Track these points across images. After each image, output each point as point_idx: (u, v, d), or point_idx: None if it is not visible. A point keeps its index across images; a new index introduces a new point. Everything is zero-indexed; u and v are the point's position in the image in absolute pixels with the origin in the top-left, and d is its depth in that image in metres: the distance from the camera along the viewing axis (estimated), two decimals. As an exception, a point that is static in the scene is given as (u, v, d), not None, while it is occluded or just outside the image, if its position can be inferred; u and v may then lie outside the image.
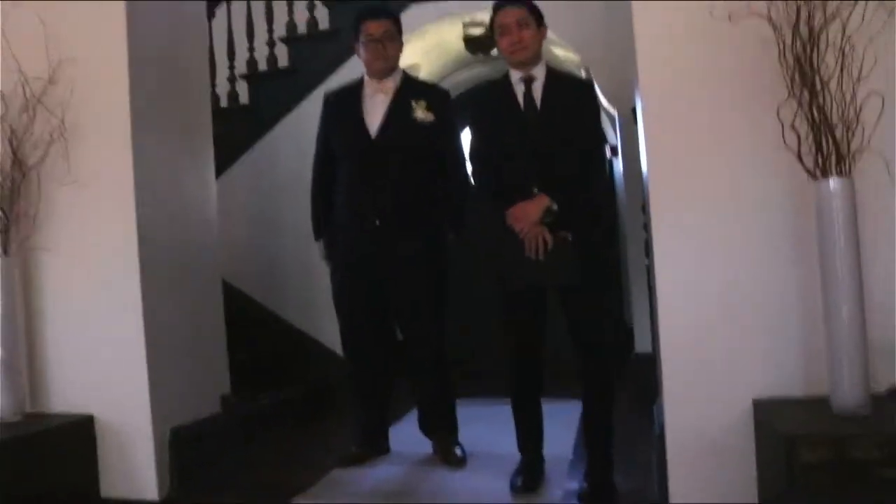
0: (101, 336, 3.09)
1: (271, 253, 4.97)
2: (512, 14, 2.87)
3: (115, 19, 3.09)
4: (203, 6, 3.85)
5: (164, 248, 3.23)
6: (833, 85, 2.22)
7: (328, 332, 4.56)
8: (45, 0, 3.06)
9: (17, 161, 2.99)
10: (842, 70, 2.22)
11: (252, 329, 4.68)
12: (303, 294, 4.85)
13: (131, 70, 3.09)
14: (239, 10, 5.21)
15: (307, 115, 4.72)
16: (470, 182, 3.13)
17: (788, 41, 2.24)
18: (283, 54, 5.24)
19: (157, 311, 3.13)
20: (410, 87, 3.24)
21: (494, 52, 3.04)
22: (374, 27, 3.15)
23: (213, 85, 4.67)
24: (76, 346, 3.12)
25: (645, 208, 3.17)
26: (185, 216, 3.47)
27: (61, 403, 3.13)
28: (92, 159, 3.07)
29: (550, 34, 3.14)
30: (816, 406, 2.28)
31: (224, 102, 5.17)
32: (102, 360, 3.09)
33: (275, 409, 4.17)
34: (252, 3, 5.18)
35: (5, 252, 2.99)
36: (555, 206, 2.74)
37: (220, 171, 3.95)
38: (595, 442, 2.92)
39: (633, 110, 3.45)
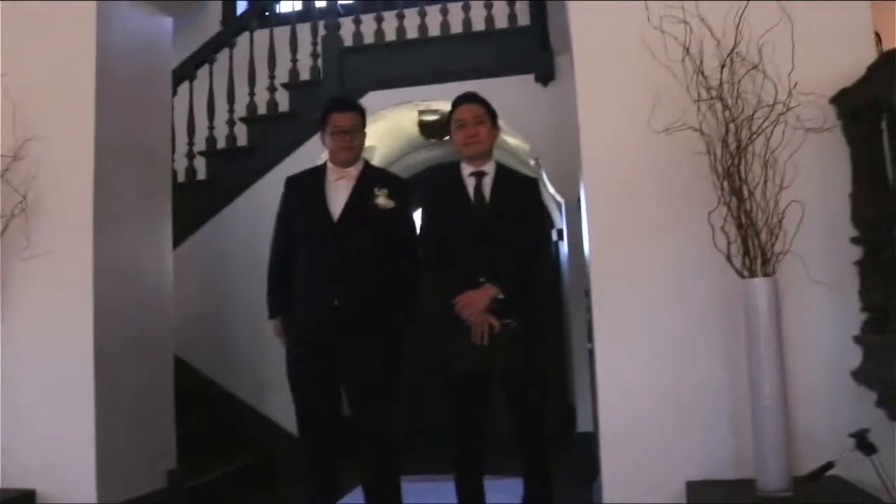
0: (50, 410, 3.10)
1: (223, 327, 4.99)
2: (470, 110, 3.07)
3: (84, 99, 3.20)
4: (169, 87, 3.98)
5: (119, 321, 3.27)
6: (759, 193, 2.44)
7: (276, 406, 4.61)
8: (16, 78, 3.15)
9: (-22, 235, 3.04)
10: (766, 181, 2.44)
11: (202, 403, 4.69)
12: (253, 369, 4.86)
13: (96, 148, 3.19)
14: (201, 88, 5.33)
15: (263, 193, 4.87)
16: (422, 269, 3.25)
17: (719, 153, 2.46)
18: (242, 133, 5.38)
19: (109, 386, 3.16)
20: (372, 175, 3.36)
21: (447, 137, 3.20)
22: (341, 119, 3.27)
23: (172, 160, 4.74)
24: (25, 420, 3.12)
25: (588, 293, 3.33)
26: (141, 290, 3.52)
27: (6, 479, 3.09)
28: (52, 234, 3.14)
29: (505, 124, 3.30)
30: (744, 488, 2.43)
31: (182, 177, 5.24)
32: (51, 435, 3.10)
33: (220, 482, 4.17)
34: (214, 82, 5.32)
35: (-40, 324, 3.01)
36: (500, 295, 2.88)
37: (175, 244, 4.02)
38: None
39: (579, 199, 3.63)
